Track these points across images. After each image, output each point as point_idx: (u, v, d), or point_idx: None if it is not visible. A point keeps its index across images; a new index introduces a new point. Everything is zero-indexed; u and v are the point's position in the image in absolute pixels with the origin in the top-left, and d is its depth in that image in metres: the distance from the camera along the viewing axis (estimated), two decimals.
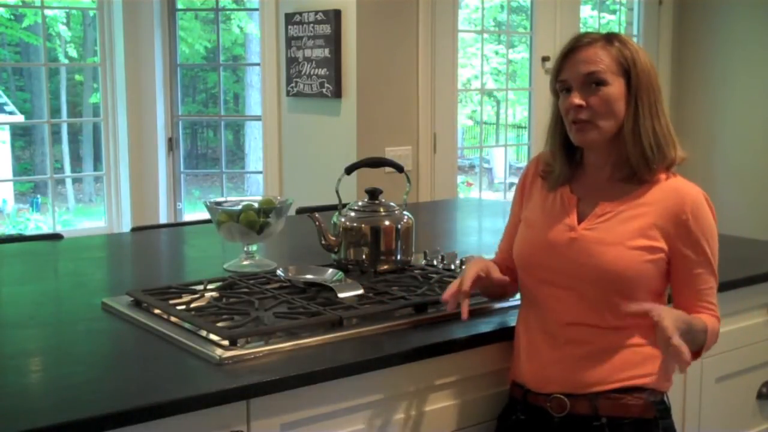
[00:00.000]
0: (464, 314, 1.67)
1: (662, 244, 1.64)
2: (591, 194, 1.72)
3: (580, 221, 1.70)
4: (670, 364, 1.55)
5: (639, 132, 1.64)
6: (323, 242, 2.23)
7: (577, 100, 1.64)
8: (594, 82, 1.64)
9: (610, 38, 1.67)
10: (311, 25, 4.22)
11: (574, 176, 1.76)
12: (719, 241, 1.71)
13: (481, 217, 3.63)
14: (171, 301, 1.90)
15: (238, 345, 1.62)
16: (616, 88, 1.64)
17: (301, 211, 3.21)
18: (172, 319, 1.80)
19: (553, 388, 1.67)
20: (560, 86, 1.68)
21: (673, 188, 1.67)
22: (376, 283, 2.06)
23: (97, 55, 4.60)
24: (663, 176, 1.68)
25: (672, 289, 1.71)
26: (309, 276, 2.06)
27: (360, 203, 2.26)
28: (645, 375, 1.66)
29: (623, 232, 1.65)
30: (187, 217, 4.92)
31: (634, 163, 1.66)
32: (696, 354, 1.66)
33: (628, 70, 1.65)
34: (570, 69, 1.66)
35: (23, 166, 10.50)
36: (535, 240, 1.75)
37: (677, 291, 1.70)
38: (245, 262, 2.30)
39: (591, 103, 1.64)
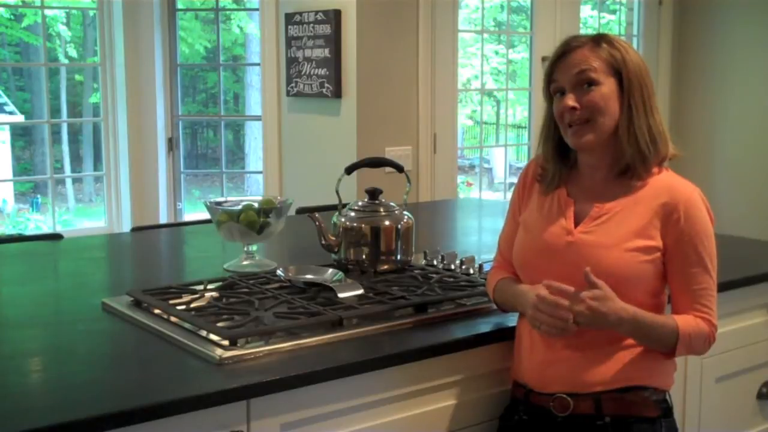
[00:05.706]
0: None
1: (658, 243, 1.65)
2: (587, 195, 1.72)
3: (576, 223, 1.70)
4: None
5: (634, 130, 1.65)
6: (323, 242, 2.23)
7: (571, 102, 1.65)
8: (586, 83, 1.65)
9: (597, 40, 1.68)
10: (311, 25, 4.22)
11: (570, 178, 1.76)
12: (718, 241, 1.70)
13: (481, 217, 3.63)
14: (171, 301, 1.90)
15: (238, 345, 1.62)
16: (607, 87, 1.65)
17: (301, 211, 3.21)
18: (172, 319, 1.80)
19: (556, 387, 1.67)
20: (554, 89, 1.70)
21: (667, 185, 1.68)
22: (376, 283, 2.06)
23: (97, 55, 4.60)
24: (655, 170, 1.69)
25: (669, 291, 1.70)
26: (309, 276, 2.06)
27: (360, 203, 2.26)
28: (647, 374, 1.67)
29: (619, 234, 1.65)
30: (187, 217, 4.91)
31: (630, 161, 1.66)
32: (669, 354, 1.67)
33: (619, 70, 1.65)
34: (562, 72, 1.67)
35: (23, 166, 10.49)
36: (532, 244, 1.75)
37: (673, 291, 1.69)
38: (245, 262, 2.30)
39: (584, 103, 1.65)
